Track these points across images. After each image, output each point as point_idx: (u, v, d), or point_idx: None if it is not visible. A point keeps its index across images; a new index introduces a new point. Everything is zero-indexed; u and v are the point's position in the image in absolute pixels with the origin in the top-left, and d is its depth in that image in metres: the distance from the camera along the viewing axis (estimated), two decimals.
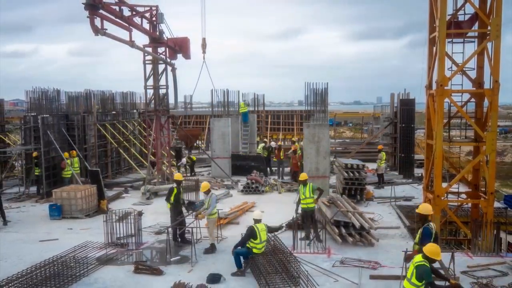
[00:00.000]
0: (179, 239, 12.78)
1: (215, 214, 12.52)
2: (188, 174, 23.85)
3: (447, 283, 7.95)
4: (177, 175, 13.62)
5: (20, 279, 9.88)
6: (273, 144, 24.99)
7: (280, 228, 13.04)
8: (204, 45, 22.33)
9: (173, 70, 21.05)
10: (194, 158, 25.72)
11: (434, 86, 13.55)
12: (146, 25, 18.78)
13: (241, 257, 10.64)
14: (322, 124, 17.90)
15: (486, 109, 13.67)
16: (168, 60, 20.63)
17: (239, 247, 10.72)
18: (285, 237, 12.55)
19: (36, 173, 19.38)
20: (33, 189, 19.93)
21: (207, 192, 12.43)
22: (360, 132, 53.46)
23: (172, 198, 12.76)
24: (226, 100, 25.35)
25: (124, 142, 25.36)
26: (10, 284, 9.61)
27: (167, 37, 20.12)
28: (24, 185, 20.18)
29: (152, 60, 19.95)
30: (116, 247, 12.33)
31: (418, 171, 23.36)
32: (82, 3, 13.88)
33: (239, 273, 10.43)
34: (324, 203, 14.61)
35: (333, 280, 10.04)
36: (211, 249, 12.10)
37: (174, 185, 13.12)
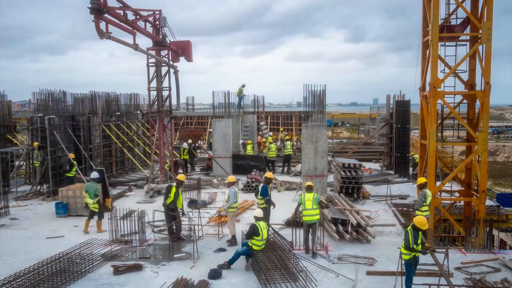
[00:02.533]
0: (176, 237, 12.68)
1: (232, 209, 12.54)
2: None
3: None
4: (180, 176, 13.38)
5: (27, 275, 9.89)
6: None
7: None
8: None
9: (176, 72, 21.09)
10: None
11: (427, 88, 13.59)
12: (150, 29, 18.79)
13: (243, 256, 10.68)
14: (320, 125, 17.93)
15: (478, 110, 13.72)
16: (171, 62, 20.66)
17: (242, 248, 10.81)
18: (284, 234, 12.56)
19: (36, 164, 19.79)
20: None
21: (229, 186, 12.68)
22: (357, 132, 53.47)
23: (171, 196, 12.63)
24: (227, 101, 25.37)
25: (128, 142, 25.39)
26: (17, 280, 9.63)
27: (170, 41, 20.15)
28: (32, 184, 20.19)
29: (155, 62, 19.98)
30: (120, 244, 12.35)
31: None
32: (88, 8, 13.88)
33: (225, 266, 10.51)
34: (323, 201, 14.62)
35: (331, 276, 10.05)
36: (234, 241, 12.28)
37: (174, 184, 12.98)
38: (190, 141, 26.05)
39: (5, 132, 23.52)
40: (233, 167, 23.58)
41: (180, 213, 12.90)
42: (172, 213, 12.65)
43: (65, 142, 19.46)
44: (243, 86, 30.94)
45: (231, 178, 13.10)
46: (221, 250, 11.94)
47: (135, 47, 16.58)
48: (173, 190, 12.71)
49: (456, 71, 13.68)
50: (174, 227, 12.79)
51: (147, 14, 18.37)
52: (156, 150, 21.19)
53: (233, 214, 12.74)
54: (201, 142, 35.22)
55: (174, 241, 12.16)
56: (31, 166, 22.04)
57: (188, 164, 24.84)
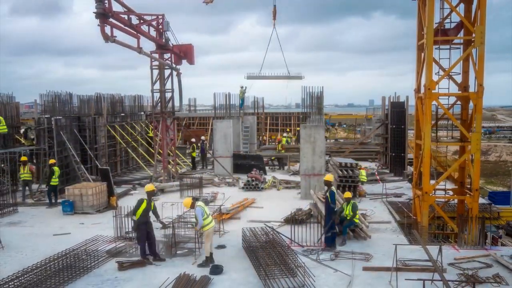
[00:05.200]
0: (152, 256, 10.96)
1: (207, 226, 10.48)
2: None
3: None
4: (148, 187, 11.45)
5: (35, 271, 9.89)
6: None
7: None
8: (274, 12, 26.01)
9: (178, 74, 21.12)
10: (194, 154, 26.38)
11: (422, 90, 13.58)
12: (153, 33, 18.80)
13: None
14: (318, 125, 17.91)
15: (471, 111, 13.71)
16: (174, 65, 20.66)
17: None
18: (283, 231, 12.56)
19: (53, 183, 16.88)
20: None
21: (192, 207, 10.62)
22: (353, 132, 53.42)
23: (139, 212, 10.75)
24: (228, 102, 25.37)
25: (132, 142, 25.38)
26: (25, 275, 9.62)
27: (172, 44, 20.15)
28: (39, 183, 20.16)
29: (158, 65, 19.98)
30: (124, 241, 12.34)
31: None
32: (93, 12, 13.89)
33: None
34: (320, 199, 14.60)
35: (329, 272, 10.05)
36: (205, 263, 10.43)
37: (144, 197, 11.12)
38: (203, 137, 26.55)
39: (13, 133, 23.50)
40: (233, 166, 23.61)
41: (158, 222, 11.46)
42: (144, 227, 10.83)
43: (71, 142, 19.47)
44: (242, 87, 31.02)
45: (187, 202, 10.73)
46: (221, 247, 11.92)
47: (139, 50, 16.60)
48: (144, 204, 10.83)
49: (450, 73, 13.68)
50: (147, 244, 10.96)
51: (151, 19, 18.39)
52: (159, 150, 21.20)
53: (210, 231, 10.62)
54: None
55: (148, 263, 10.62)
56: (39, 165, 21.99)
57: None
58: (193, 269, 10.20)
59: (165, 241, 12.41)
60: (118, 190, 19.15)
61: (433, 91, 13.06)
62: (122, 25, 15.55)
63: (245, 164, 23.42)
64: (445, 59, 13.75)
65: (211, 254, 10.63)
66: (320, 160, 17.73)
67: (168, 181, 20.28)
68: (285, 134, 31.80)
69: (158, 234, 13.15)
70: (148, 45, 19.57)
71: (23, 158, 18.31)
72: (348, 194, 12.55)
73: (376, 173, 22.07)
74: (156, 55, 19.58)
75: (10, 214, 15.86)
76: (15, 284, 9.24)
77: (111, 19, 14.61)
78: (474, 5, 13.23)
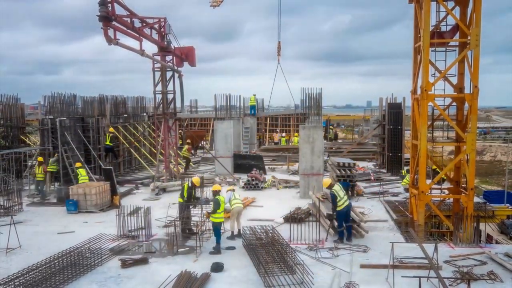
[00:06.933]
0: (187, 231, 12.77)
1: (232, 206, 12.68)
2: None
3: None
4: (196, 180, 13.32)
5: (40, 268, 9.91)
6: None
7: None
8: (279, 48, 24.59)
9: (180, 76, 21.13)
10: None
11: (419, 91, 13.60)
12: (155, 36, 18.81)
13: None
14: (317, 126, 17.92)
15: (466, 112, 13.72)
16: (175, 67, 20.68)
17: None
18: (283, 230, 12.58)
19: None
20: None
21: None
22: (351, 133, 53.45)
23: (185, 194, 12.92)
24: (228, 104, 25.37)
25: (135, 142, 25.39)
26: (30, 273, 9.64)
27: (174, 47, 20.17)
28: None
29: (160, 67, 19.99)
30: (127, 239, 12.36)
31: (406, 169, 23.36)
32: (97, 15, 13.89)
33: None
34: (319, 198, 14.61)
35: (327, 269, 10.06)
36: (231, 237, 12.37)
37: (190, 184, 13.04)
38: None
39: (18, 133, 23.55)
40: (234, 166, 23.61)
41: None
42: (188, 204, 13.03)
43: (75, 143, 19.48)
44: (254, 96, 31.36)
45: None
46: (223, 244, 11.91)
47: (142, 52, 16.60)
48: (193, 192, 13.14)
49: (446, 75, 13.69)
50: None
51: (153, 22, 18.39)
52: (161, 150, 21.22)
53: (237, 210, 12.64)
54: (204, 143, 35.20)
55: (186, 235, 12.47)
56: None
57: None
58: (194, 267, 10.22)
59: (167, 239, 12.44)
60: (121, 189, 19.17)
61: (429, 92, 13.08)
62: (125, 28, 15.56)
63: (245, 164, 23.42)
64: (441, 61, 13.77)
65: (238, 230, 12.49)
66: (318, 160, 17.74)
67: (170, 180, 20.29)
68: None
69: (161, 232, 13.23)
70: (150, 48, 19.59)
71: (40, 159, 18.80)
72: (327, 182, 12.64)
73: (371, 172, 22.10)
74: (158, 58, 19.60)
75: (15, 213, 15.85)
76: (21, 281, 9.26)
77: (114, 22, 14.62)
78: (469, 8, 13.24)
